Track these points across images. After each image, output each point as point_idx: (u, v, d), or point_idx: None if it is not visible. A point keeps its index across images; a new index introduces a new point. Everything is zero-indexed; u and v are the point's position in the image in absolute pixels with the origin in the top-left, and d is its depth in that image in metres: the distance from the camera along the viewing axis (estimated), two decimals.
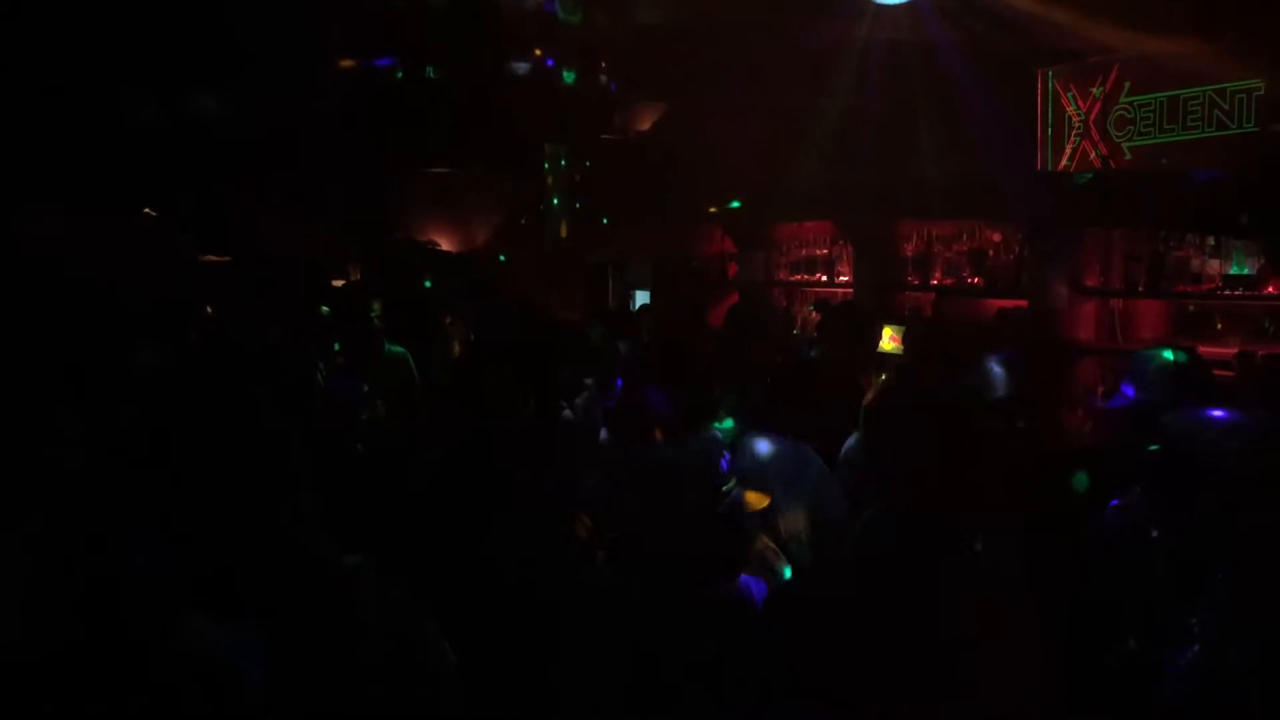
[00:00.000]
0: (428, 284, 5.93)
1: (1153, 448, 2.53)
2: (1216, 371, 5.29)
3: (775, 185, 7.62)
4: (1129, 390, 3.86)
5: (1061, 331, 6.54)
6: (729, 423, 3.58)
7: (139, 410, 2.52)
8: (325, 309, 4.91)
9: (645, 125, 8.12)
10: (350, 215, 8.20)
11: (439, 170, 8.42)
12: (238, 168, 7.59)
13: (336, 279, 8.06)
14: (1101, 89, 6.83)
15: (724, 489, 2.24)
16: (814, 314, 7.30)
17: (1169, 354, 3.78)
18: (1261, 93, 5.94)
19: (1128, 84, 6.70)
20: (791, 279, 8.00)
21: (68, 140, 6.59)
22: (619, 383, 4.02)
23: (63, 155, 6.60)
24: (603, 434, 3.56)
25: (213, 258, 7.69)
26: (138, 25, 5.38)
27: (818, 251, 7.75)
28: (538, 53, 5.45)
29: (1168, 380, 3.53)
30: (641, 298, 8.26)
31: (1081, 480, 3.15)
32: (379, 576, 1.71)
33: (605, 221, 7.61)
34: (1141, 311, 6.59)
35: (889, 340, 6.98)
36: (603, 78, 5.67)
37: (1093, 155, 7.00)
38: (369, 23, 5.67)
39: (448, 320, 5.58)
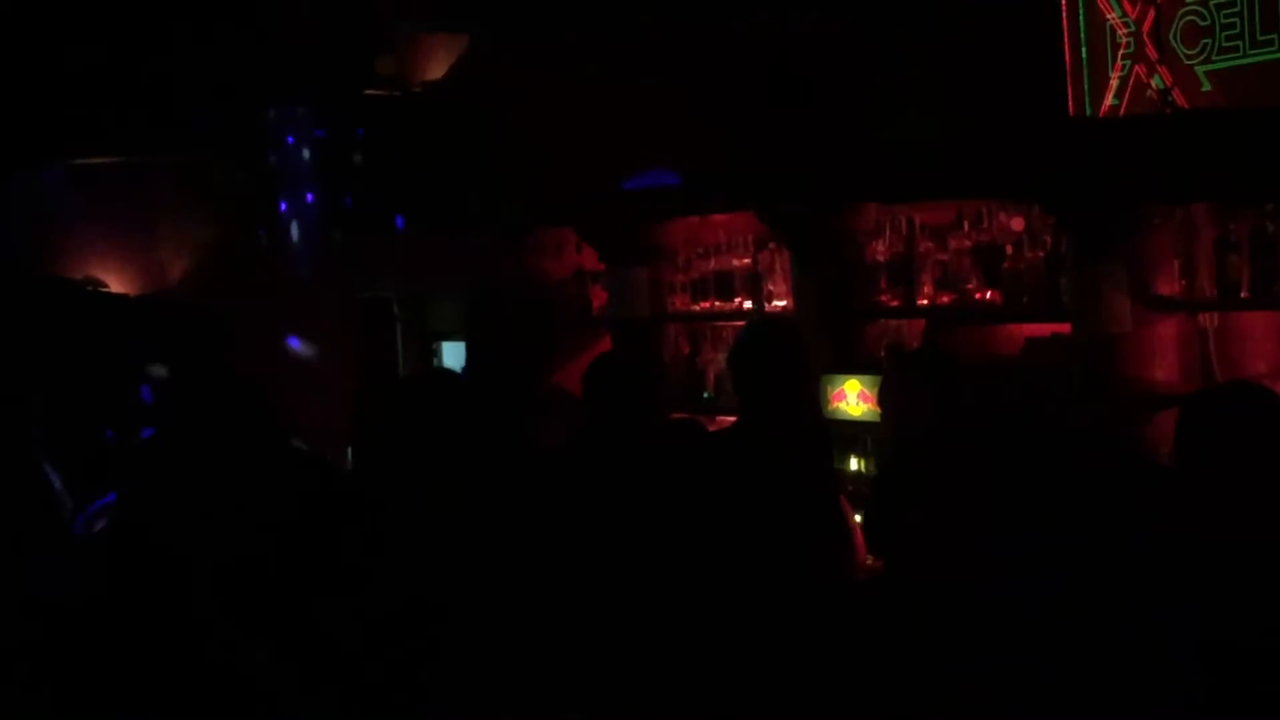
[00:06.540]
0: None
1: None
2: None
3: (663, 160, 5.91)
4: None
5: (1128, 370, 5.14)
6: None
7: None
8: None
9: (437, 73, 6.13)
10: None
11: (97, 161, 6.15)
12: None
13: None
14: None
15: None
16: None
17: None
18: None
19: None
20: (695, 309, 6.07)
21: None
22: None
23: None
24: None
25: None
26: None
27: (735, 262, 5.87)
28: None
29: None
30: (451, 353, 6.17)
31: None
32: None
33: (393, 230, 5.96)
34: (1248, 330, 5.20)
35: (855, 401, 5.63)
36: None
37: (1153, 88, 5.92)
38: None
39: None
